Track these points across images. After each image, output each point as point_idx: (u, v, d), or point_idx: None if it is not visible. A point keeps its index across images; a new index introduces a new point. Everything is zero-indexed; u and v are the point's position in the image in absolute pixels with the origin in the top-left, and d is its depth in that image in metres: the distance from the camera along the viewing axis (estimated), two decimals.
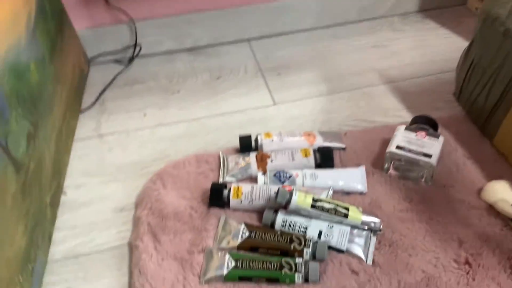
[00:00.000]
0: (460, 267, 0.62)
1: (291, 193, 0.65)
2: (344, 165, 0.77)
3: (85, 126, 0.91)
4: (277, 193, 0.66)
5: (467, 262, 0.62)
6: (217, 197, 0.69)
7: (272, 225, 0.66)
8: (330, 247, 0.64)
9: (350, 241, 0.64)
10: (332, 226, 0.65)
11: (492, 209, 0.68)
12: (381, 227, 0.65)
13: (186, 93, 0.98)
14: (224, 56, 1.08)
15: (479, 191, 0.70)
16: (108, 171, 0.82)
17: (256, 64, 1.05)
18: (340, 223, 0.65)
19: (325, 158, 0.75)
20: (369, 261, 0.63)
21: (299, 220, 0.65)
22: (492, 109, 0.75)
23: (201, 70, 1.04)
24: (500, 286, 0.59)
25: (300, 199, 0.65)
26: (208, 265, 0.62)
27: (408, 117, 0.85)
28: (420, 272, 0.61)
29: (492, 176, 0.72)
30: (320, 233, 0.64)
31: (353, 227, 0.65)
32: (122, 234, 0.71)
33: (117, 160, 0.84)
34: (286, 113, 0.91)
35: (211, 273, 0.61)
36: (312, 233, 0.64)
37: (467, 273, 0.61)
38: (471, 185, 0.72)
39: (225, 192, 0.69)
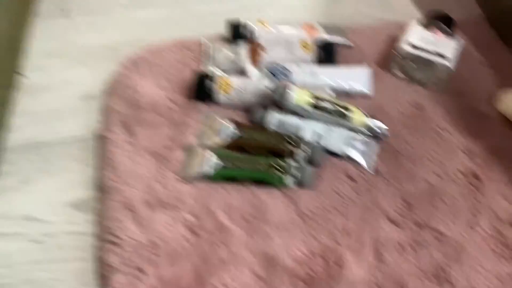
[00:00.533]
0: (467, 179, 0.56)
1: (288, 90, 0.56)
2: (346, 62, 0.67)
3: (47, 0, 0.78)
4: (274, 89, 0.57)
5: (474, 175, 0.56)
6: (201, 89, 0.60)
7: (263, 124, 0.58)
8: (328, 151, 0.57)
9: (351, 146, 0.57)
10: (331, 129, 0.57)
11: (507, 121, 0.61)
12: (387, 133, 0.58)
13: None
14: None
15: (494, 100, 0.63)
16: (74, 53, 0.70)
17: None
18: (341, 126, 0.58)
19: (328, 54, 0.65)
20: (370, 168, 0.56)
21: (293, 120, 0.58)
22: None
23: None
24: (509, 201, 0.54)
25: (299, 97, 0.56)
26: (190, 163, 0.55)
27: (419, 16, 0.75)
28: (423, 182, 0.56)
29: (508, 84, 0.65)
30: (317, 135, 0.57)
31: (355, 131, 0.58)
32: (89, 124, 0.62)
33: (85, 42, 0.72)
34: (283, 1, 0.80)
35: (192, 171, 0.54)
36: (308, 135, 0.57)
37: (473, 185, 0.55)
38: (484, 93, 0.65)
39: (211, 84, 0.60)
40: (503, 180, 0.56)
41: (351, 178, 0.56)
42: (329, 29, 0.70)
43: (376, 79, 0.65)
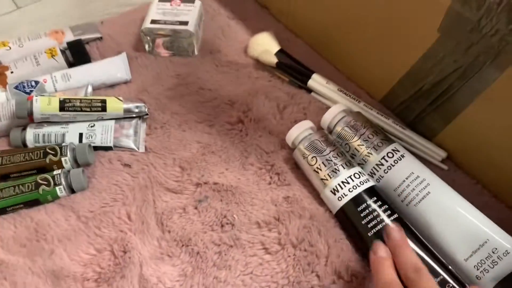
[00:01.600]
0: (233, 127, 0.60)
1: (31, 101, 0.54)
2: (104, 56, 0.67)
3: None
4: (16, 105, 0.55)
5: (240, 121, 0.60)
6: None
7: (24, 144, 0.56)
8: (96, 148, 0.57)
9: (118, 134, 0.57)
10: (94, 125, 0.57)
11: (259, 64, 0.66)
12: (146, 110, 0.59)
13: None
14: None
15: (246, 50, 0.68)
16: None
17: None
18: (102, 119, 0.58)
19: (76, 53, 0.64)
20: (141, 149, 0.57)
21: (53, 129, 0.56)
22: None
23: None
24: (271, 133, 0.59)
25: (44, 105, 0.55)
26: None
27: None
28: (195, 144, 0.58)
29: (257, 31, 0.69)
30: (80, 136, 0.56)
31: (119, 119, 0.58)
32: None
33: None
34: (33, 15, 0.76)
35: None
36: (71, 139, 0.56)
37: (241, 130, 0.59)
38: (238, 45, 0.69)
39: None
40: (262, 116, 0.60)
41: (125, 165, 0.56)
42: (77, 28, 0.69)
43: (135, 63, 0.66)
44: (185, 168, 0.56)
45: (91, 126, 0.57)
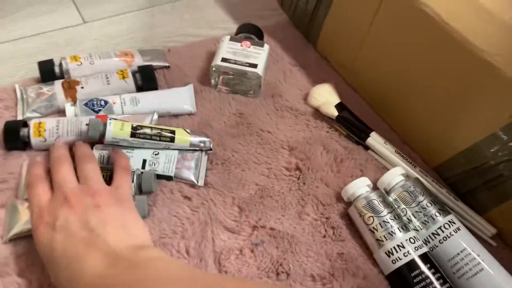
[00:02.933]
0: (291, 173, 0.61)
1: (105, 124, 0.56)
2: (170, 85, 0.69)
3: None
4: (88, 125, 0.56)
5: (297, 168, 0.62)
6: (13, 138, 0.57)
7: None
8: (158, 176, 0.58)
9: (180, 165, 0.58)
10: (158, 153, 0.58)
11: (318, 113, 0.68)
12: (211, 146, 0.60)
13: None
14: None
15: (306, 97, 0.70)
16: None
17: None
18: (168, 148, 0.59)
19: (146, 79, 0.66)
20: (201, 183, 0.58)
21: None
22: (313, 12, 0.74)
23: None
24: (328, 185, 0.60)
25: (117, 129, 0.56)
26: (12, 221, 0.51)
27: (235, 28, 0.80)
28: (253, 186, 0.59)
29: (317, 81, 0.72)
30: (144, 162, 0.57)
31: (183, 150, 0.60)
32: None
33: None
34: (99, 32, 0.78)
35: (17, 229, 0.51)
36: (135, 165, 0.57)
37: (298, 178, 0.61)
38: (298, 92, 0.71)
39: (24, 130, 0.57)
40: (319, 167, 0.62)
41: (186, 197, 0.57)
42: (146, 53, 0.70)
43: (199, 96, 0.68)
44: (243, 209, 0.57)
45: (155, 154, 0.58)
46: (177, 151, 0.59)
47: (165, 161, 0.58)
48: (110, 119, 0.56)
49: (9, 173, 0.56)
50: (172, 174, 0.58)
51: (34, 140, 0.57)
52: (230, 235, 0.54)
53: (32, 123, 0.57)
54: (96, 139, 0.56)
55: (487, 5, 0.53)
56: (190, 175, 0.58)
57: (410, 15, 0.57)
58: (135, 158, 0.57)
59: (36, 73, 0.66)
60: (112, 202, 0.48)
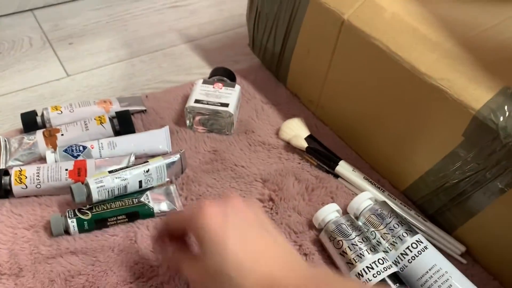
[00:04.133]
0: (264, 204, 0.63)
1: (87, 185, 0.58)
2: (147, 128, 0.73)
3: None
4: (71, 192, 0.57)
5: (270, 199, 0.64)
6: None
7: (67, 232, 0.58)
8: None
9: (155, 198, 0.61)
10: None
11: (290, 146, 0.71)
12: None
13: None
14: (3, 30, 0.94)
15: (277, 132, 0.73)
16: None
17: (43, 35, 0.93)
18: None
19: (122, 123, 0.69)
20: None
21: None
22: (280, 53, 0.79)
23: None
24: (300, 213, 0.62)
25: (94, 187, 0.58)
26: None
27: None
28: None
29: (288, 116, 0.75)
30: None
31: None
32: None
33: None
34: (81, 84, 0.83)
35: None
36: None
37: (271, 208, 0.63)
38: (270, 127, 0.74)
39: (6, 179, 0.60)
40: (291, 196, 0.64)
41: None
42: (124, 100, 0.75)
43: (175, 136, 0.71)
44: None
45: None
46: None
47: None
48: (87, 179, 0.59)
49: None
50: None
51: (15, 187, 0.59)
52: None
53: (13, 171, 0.60)
54: (84, 201, 0.58)
55: (430, 36, 0.57)
56: (165, 207, 0.61)
57: (363, 50, 0.62)
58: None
59: (21, 125, 0.70)
60: None
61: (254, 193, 0.64)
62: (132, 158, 0.65)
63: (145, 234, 0.59)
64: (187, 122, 0.72)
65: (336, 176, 0.68)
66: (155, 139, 0.69)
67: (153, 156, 0.68)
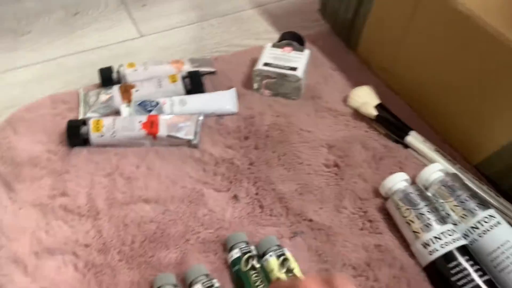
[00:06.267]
0: (329, 169, 0.63)
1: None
2: (215, 89, 0.74)
3: None
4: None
5: (336, 165, 0.64)
6: (74, 134, 0.63)
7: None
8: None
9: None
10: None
11: (358, 114, 0.70)
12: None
13: (39, 33, 0.87)
14: None
15: (345, 99, 0.72)
16: None
17: None
18: None
19: (194, 83, 0.71)
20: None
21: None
22: (352, 19, 0.76)
23: (55, 7, 0.93)
24: (366, 181, 0.62)
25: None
26: None
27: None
28: (293, 181, 0.62)
29: (357, 84, 0.74)
30: None
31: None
32: None
33: None
34: (154, 44, 0.85)
35: None
36: None
37: (336, 174, 0.63)
38: (337, 94, 0.73)
39: (84, 128, 0.63)
40: (358, 164, 0.63)
41: (234, 196, 0.61)
42: (195, 61, 0.76)
43: (243, 99, 0.72)
44: (285, 203, 0.59)
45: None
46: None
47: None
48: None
49: (72, 165, 0.62)
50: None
51: (93, 135, 0.63)
52: (271, 226, 0.57)
53: (91, 121, 0.64)
54: None
55: None
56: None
57: (445, 15, 0.59)
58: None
59: (98, 81, 0.73)
60: None
61: (320, 158, 0.64)
62: (201, 118, 0.67)
63: (212, 190, 0.60)
64: (255, 85, 0.73)
65: (406, 146, 0.66)
66: (223, 99, 0.70)
67: (220, 115, 0.69)
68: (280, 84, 0.71)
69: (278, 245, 0.53)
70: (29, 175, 0.61)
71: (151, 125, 0.64)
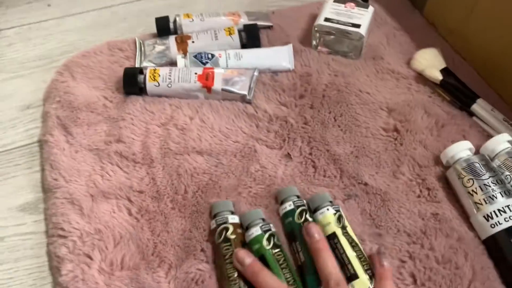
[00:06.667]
0: (388, 134, 0.61)
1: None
2: (272, 44, 0.71)
3: None
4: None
5: (395, 129, 0.61)
6: (131, 82, 0.63)
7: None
8: None
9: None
10: None
11: (421, 77, 0.66)
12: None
13: None
14: None
15: (409, 61, 0.68)
16: (9, 67, 0.72)
17: None
18: None
19: (250, 36, 0.69)
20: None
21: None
22: None
23: None
24: (427, 148, 0.59)
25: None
26: None
27: None
28: (349, 143, 0.60)
29: (422, 46, 0.69)
30: None
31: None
32: (31, 132, 0.64)
33: (19, 56, 0.74)
34: None
35: None
36: None
37: (395, 139, 0.60)
38: (400, 56, 0.69)
39: (141, 77, 0.63)
40: (419, 130, 0.60)
41: (287, 154, 0.59)
42: (252, 14, 0.74)
43: (299, 56, 0.69)
44: (338, 164, 0.57)
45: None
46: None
47: None
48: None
49: (127, 113, 0.62)
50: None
51: (149, 84, 0.62)
52: (324, 187, 0.56)
53: (148, 70, 0.63)
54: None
55: None
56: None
57: None
58: None
59: (154, 30, 0.72)
60: None
61: (379, 121, 0.62)
62: (256, 73, 0.65)
63: (264, 147, 0.59)
64: (313, 42, 0.70)
65: (471, 114, 0.62)
66: (279, 55, 0.68)
67: (276, 71, 0.67)
68: (341, 42, 0.68)
69: (331, 201, 0.52)
70: (86, 120, 0.62)
71: (206, 78, 0.63)
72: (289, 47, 0.69)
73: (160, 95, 0.64)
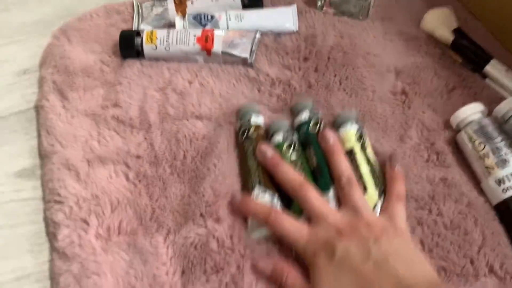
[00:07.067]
0: (396, 97, 0.58)
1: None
2: (275, 4, 0.68)
3: None
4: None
5: (403, 92, 0.58)
6: (127, 45, 0.60)
7: None
8: None
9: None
10: None
11: (432, 39, 0.63)
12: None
13: None
14: None
15: (419, 22, 0.65)
16: (4, 32, 0.70)
17: None
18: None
19: None
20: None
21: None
22: None
23: None
24: (436, 111, 0.56)
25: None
26: None
27: None
28: (355, 107, 0.57)
29: (433, 5, 0.66)
30: None
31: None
32: (28, 98, 0.62)
33: (14, 20, 0.71)
34: None
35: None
36: None
37: (403, 102, 0.57)
38: (410, 16, 0.66)
39: (138, 39, 0.61)
40: (428, 93, 0.57)
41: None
42: None
43: (304, 17, 0.66)
44: None
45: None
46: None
47: None
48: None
49: (124, 77, 0.60)
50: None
51: (146, 46, 0.60)
52: None
53: (144, 32, 0.61)
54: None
55: None
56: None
57: None
58: None
59: None
60: (391, 235, 0.43)
61: (386, 85, 0.59)
62: (258, 36, 0.62)
63: (267, 111, 0.57)
64: (318, 2, 0.67)
65: (483, 77, 0.59)
66: (282, 16, 0.65)
67: (279, 33, 0.64)
68: (347, 2, 0.65)
69: (357, 121, 0.54)
70: (82, 85, 0.60)
71: (206, 40, 0.60)
72: (293, 8, 0.66)
73: (158, 59, 0.61)
